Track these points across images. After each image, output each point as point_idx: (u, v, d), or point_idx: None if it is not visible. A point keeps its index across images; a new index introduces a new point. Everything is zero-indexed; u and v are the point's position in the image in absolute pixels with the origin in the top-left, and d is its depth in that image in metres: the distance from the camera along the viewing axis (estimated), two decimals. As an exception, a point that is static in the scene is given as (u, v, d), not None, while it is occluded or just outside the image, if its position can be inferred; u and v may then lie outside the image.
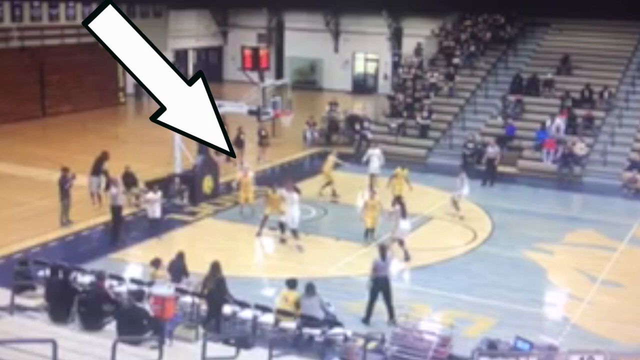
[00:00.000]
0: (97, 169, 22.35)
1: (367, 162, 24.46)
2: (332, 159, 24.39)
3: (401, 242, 18.79)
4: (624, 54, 33.31)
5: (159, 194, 20.50)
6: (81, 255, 18.32)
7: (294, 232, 19.44)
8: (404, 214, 18.92)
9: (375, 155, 24.34)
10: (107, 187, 21.31)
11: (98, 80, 37.79)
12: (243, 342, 10.97)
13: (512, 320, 15.42)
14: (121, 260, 18.47)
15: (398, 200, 19.55)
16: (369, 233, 19.89)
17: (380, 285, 15.13)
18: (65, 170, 20.72)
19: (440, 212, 22.78)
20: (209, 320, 13.70)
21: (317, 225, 21.44)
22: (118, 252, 18.97)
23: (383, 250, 15.45)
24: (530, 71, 32.84)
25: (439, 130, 30.93)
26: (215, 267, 14.08)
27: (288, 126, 27.75)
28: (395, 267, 17.18)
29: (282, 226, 19.80)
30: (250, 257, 19.66)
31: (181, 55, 46.38)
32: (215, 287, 13.84)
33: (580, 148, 27.44)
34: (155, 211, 20.14)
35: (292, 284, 14.01)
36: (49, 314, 11.66)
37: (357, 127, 30.92)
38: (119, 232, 19.80)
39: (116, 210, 19.76)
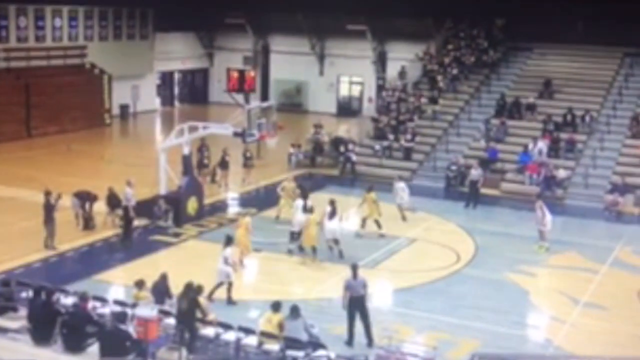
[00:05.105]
0: (80, 193, 22.28)
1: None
2: (288, 184, 23.96)
3: (335, 242, 20.13)
4: (605, 79, 33.77)
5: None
6: (65, 277, 18.19)
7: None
8: (332, 214, 20.14)
9: (400, 189, 24.08)
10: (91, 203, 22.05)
11: (84, 102, 37.80)
12: (226, 364, 10.97)
13: (495, 342, 15.51)
14: (105, 281, 18.41)
15: (331, 202, 20.57)
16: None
17: (355, 306, 15.15)
18: (48, 194, 20.40)
19: (424, 234, 22.91)
20: (182, 338, 13.53)
21: (300, 248, 21.43)
22: (102, 273, 18.92)
23: (355, 269, 15.49)
24: (512, 95, 33.19)
25: (422, 152, 31.15)
26: (188, 286, 14.10)
27: (273, 148, 27.85)
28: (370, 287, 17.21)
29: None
30: (234, 279, 19.61)
31: (167, 77, 46.54)
32: (187, 307, 13.82)
33: (562, 172, 27.70)
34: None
35: (276, 307, 14.02)
36: (31, 335, 11.61)
37: (342, 149, 31.08)
38: (130, 231, 20.59)
39: (127, 210, 20.63)
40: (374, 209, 22.47)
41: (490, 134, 30.91)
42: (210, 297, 16.46)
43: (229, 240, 17.63)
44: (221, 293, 17.05)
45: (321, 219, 20.32)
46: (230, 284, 17.13)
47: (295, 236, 20.63)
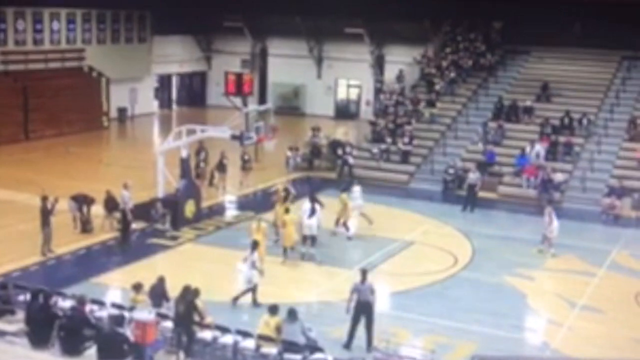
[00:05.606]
0: (78, 196, 22.26)
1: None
2: (281, 186, 23.87)
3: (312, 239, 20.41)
4: (603, 82, 33.86)
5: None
6: (62, 280, 18.21)
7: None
8: (312, 212, 20.32)
9: (357, 192, 23.77)
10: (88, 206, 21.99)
11: (82, 105, 37.77)
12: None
13: (492, 346, 15.52)
14: (103, 284, 18.41)
15: (311, 199, 20.89)
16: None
17: (362, 310, 15.13)
18: (44, 198, 20.20)
19: (421, 237, 22.92)
20: (179, 341, 13.55)
21: (298, 251, 21.46)
22: (99, 276, 18.91)
23: (364, 274, 15.49)
24: (510, 98, 33.24)
25: (420, 155, 31.18)
26: (186, 289, 14.12)
27: (271, 151, 27.86)
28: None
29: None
30: (232, 282, 19.61)
31: (165, 80, 46.55)
32: (185, 310, 13.84)
33: (559, 176, 27.74)
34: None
35: (274, 310, 14.04)
36: (29, 338, 11.62)
37: (340, 152, 31.11)
38: (127, 234, 20.81)
39: (125, 213, 20.79)
40: (344, 210, 22.55)
41: (488, 137, 30.96)
42: (255, 302, 17.06)
43: (255, 245, 17.82)
44: (217, 295, 17.04)
45: (299, 217, 20.59)
46: (254, 288, 17.33)
47: (308, 241, 20.62)
